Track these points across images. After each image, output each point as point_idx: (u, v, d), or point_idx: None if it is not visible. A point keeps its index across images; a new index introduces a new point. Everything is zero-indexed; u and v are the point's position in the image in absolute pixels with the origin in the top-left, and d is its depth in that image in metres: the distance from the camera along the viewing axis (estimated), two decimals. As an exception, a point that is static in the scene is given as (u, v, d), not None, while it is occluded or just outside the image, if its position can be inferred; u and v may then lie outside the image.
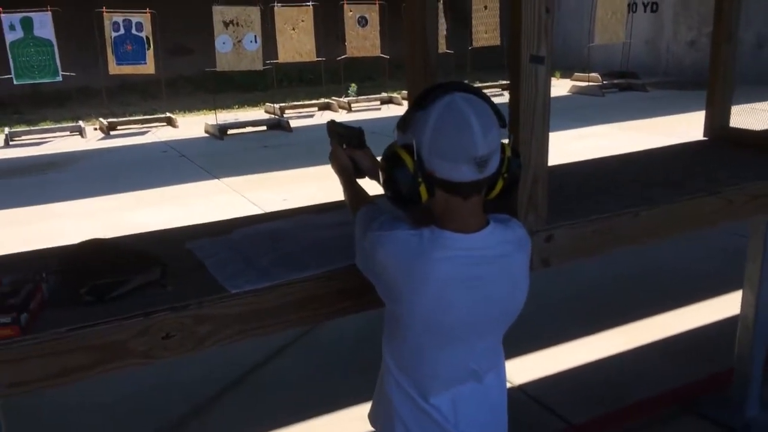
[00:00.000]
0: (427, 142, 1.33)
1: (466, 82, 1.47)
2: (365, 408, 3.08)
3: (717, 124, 3.01)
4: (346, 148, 1.84)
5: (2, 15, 9.33)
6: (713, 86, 2.97)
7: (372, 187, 1.87)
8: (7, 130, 10.29)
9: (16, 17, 9.38)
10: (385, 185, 1.41)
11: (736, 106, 3.12)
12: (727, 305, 3.84)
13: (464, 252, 1.35)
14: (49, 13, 9.49)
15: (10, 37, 9.34)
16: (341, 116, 11.60)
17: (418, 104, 1.37)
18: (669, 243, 4.07)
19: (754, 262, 2.70)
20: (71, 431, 3.01)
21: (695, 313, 3.92)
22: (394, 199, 1.40)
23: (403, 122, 1.40)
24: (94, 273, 1.59)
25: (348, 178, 1.79)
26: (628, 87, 13.43)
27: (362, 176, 1.84)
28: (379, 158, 1.80)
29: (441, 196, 1.37)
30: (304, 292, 1.68)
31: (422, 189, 1.36)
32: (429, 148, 1.33)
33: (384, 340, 1.50)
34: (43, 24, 9.48)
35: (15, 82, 9.62)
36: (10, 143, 9.96)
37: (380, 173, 1.43)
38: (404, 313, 1.39)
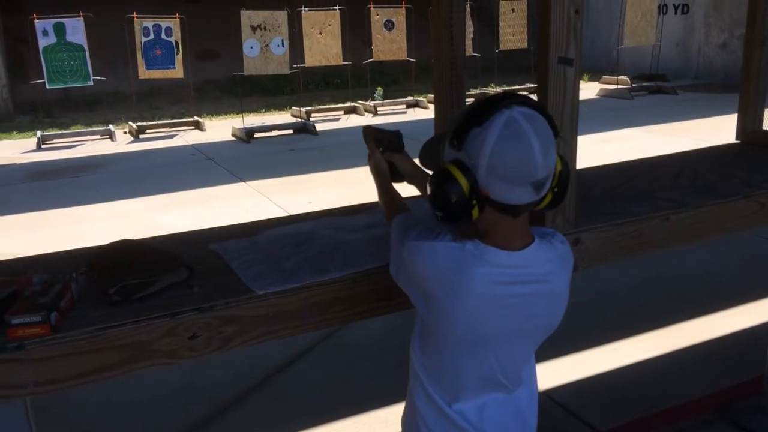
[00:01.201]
0: (485, 165, 1.26)
1: (522, 93, 1.38)
2: (388, 411, 3.09)
3: (749, 127, 2.96)
4: (383, 151, 1.80)
5: (36, 21, 9.52)
6: (746, 90, 2.93)
7: (410, 191, 1.87)
8: (39, 133, 10.49)
9: (49, 23, 9.57)
10: (434, 203, 1.34)
11: (770, 110, 3.07)
12: (760, 310, 3.76)
13: (507, 270, 1.32)
14: (81, 18, 9.66)
15: (43, 43, 9.53)
16: (367, 120, 11.63)
17: (474, 119, 1.28)
18: (700, 247, 4.01)
19: (788, 267, 2.65)
20: (96, 429, 3.05)
21: (727, 319, 3.85)
22: (444, 217, 1.33)
23: (456, 138, 1.31)
24: (123, 273, 1.61)
25: (384, 182, 1.75)
26: (658, 90, 13.25)
27: (401, 180, 1.80)
28: (416, 160, 1.79)
29: (490, 214, 1.32)
30: (328, 294, 1.69)
31: (475, 210, 1.31)
32: (487, 170, 1.27)
33: (413, 345, 1.48)
34: (76, 30, 9.66)
35: (47, 87, 9.80)
36: (42, 146, 10.15)
37: (428, 188, 1.36)
38: (439, 324, 1.37)
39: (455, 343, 1.38)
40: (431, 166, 1.57)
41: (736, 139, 3.01)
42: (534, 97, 1.77)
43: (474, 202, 1.29)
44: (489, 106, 1.28)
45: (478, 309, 1.32)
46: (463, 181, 1.28)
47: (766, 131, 2.98)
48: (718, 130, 6.64)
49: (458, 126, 1.32)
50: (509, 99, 1.29)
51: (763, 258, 4.46)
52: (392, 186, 1.76)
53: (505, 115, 1.26)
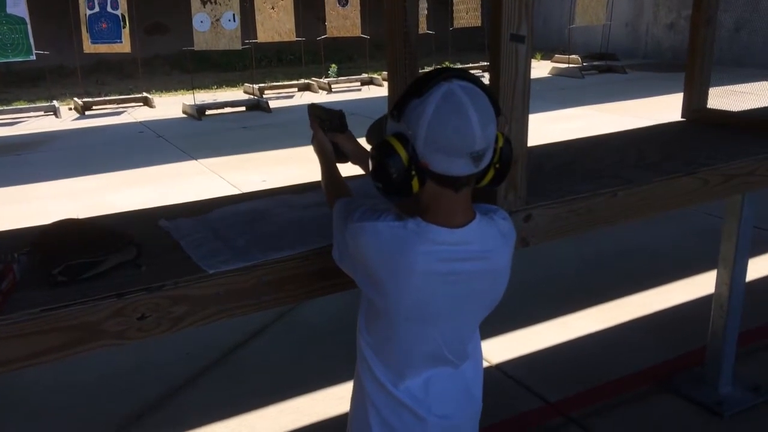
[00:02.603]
0: (423, 135, 1.27)
1: (460, 67, 1.40)
2: (343, 388, 3.10)
3: (694, 105, 3.04)
4: (327, 131, 1.79)
5: (-27, -9, 9.09)
6: (691, 68, 3.00)
7: (353, 171, 1.86)
8: (-21, 109, 10.10)
9: (-12, -6, 9.16)
10: (375, 175, 1.35)
11: (714, 88, 3.14)
12: (701, 284, 3.90)
13: (449, 247, 1.33)
14: (22, -11, 9.27)
15: (-19, 15, 9.12)
16: (321, 97, 11.53)
17: (413, 91, 1.30)
18: (645, 223, 4.12)
19: (729, 241, 2.74)
20: (44, 411, 2.99)
21: (671, 293, 3.98)
22: (384, 190, 1.34)
23: (397, 110, 1.32)
24: (68, 253, 1.57)
25: (328, 163, 1.75)
26: (608, 69, 13.49)
27: (345, 160, 1.80)
28: (360, 140, 1.79)
29: (431, 188, 1.33)
30: (281, 272, 1.67)
31: (414, 181, 1.31)
32: (425, 140, 1.27)
33: (359, 326, 1.49)
34: (17, 1, 9.25)
35: (-13, 61, 9.42)
36: (-17, 123, 9.78)
37: (370, 162, 1.36)
38: (384, 304, 1.38)
39: (401, 322, 1.39)
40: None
41: (682, 117, 3.08)
42: (486, 74, 1.78)
43: (413, 173, 1.30)
44: (429, 79, 1.30)
45: (422, 287, 1.33)
46: (402, 152, 1.29)
47: (710, 109, 3.05)
48: (665, 108, 6.80)
49: (399, 99, 1.33)
50: (449, 72, 1.31)
51: (706, 233, 4.61)
52: (336, 168, 1.75)
53: (444, 87, 1.28)
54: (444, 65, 13.51)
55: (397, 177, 1.30)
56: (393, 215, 1.35)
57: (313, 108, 1.86)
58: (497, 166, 1.38)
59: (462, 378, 1.50)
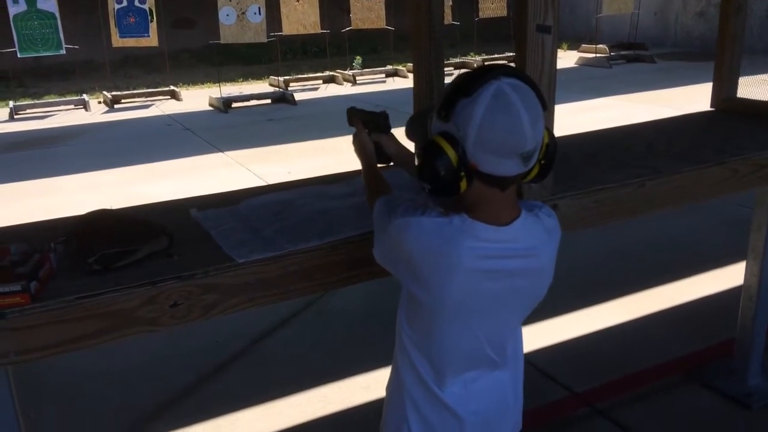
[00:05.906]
0: (473, 136, 1.26)
1: (510, 64, 1.37)
2: (368, 377, 3.13)
3: (724, 95, 3.00)
4: (370, 133, 1.79)
5: (5, -13, 9.26)
6: (721, 58, 2.95)
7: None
8: (11, 103, 10.29)
9: (19, -10, 9.31)
10: (422, 175, 1.33)
11: (744, 77, 3.10)
12: (730, 276, 3.85)
13: (494, 244, 1.32)
14: (52, -15, 9.43)
15: (13, 11, 9.28)
16: (346, 89, 11.55)
17: (462, 90, 1.28)
18: (673, 213, 4.08)
19: (759, 232, 2.71)
20: (79, 398, 3.06)
21: (699, 284, 3.94)
22: (432, 190, 1.33)
23: (444, 110, 1.30)
24: (102, 242, 1.61)
25: (370, 164, 1.75)
26: (636, 58, 13.30)
27: (387, 162, 1.80)
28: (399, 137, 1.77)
29: (478, 187, 1.32)
30: (309, 262, 1.70)
31: (463, 182, 1.30)
32: (474, 141, 1.26)
33: (400, 319, 1.48)
34: (47, -4, 9.42)
35: (19, 56, 9.58)
36: (15, 117, 9.97)
37: (416, 160, 1.35)
38: (427, 299, 1.37)
39: (443, 319, 1.38)
40: (417, 139, 1.55)
41: (711, 106, 3.05)
42: (512, 65, 1.78)
43: (462, 174, 1.29)
44: (477, 78, 1.28)
45: (465, 283, 1.32)
46: (451, 153, 1.28)
47: (740, 99, 3.01)
48: (694, 98, 6.70)
49: (446, 97, 1.31)
50: (497, 70, 1.29)
51: (734, 224, 4.55)
52: (377, 167, 1.75)
53: (493, 86, 1.26)
54: (470, 56, 13.45)
55: (446, 177, 1.29)
56: (437, 210, 1.34)
57: (353, 112, 1.85)
58: (542, 162, 1.37)
59: (501, 384, 1.49)
